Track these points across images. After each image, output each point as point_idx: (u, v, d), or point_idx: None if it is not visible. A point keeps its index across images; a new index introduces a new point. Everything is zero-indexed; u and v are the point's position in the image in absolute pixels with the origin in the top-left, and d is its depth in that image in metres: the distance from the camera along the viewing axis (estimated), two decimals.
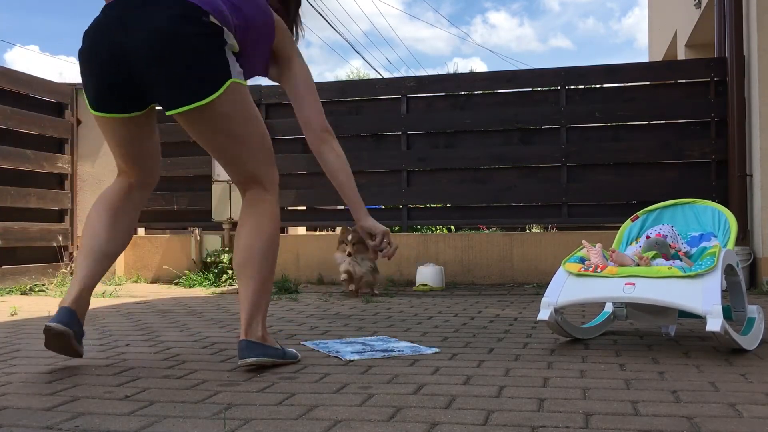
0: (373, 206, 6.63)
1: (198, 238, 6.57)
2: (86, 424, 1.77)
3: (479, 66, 64.53)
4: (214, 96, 2.33)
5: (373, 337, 3.14)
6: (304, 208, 6.79)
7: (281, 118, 6.65)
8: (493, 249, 6.12)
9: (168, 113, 2.42)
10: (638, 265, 2.80)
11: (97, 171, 6.78)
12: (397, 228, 7.31)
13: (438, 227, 8.93)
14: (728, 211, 3.12)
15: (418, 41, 64.97)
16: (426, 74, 12.50)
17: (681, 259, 2.86)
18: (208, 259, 6.52)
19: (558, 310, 2.82)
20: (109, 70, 2.40)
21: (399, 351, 2.76)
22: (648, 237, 3.04)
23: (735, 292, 2.94)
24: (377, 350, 2.78)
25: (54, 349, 2.43)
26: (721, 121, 5.79)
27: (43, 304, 4.88)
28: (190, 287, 6.15)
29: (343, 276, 5.20)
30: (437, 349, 2.77)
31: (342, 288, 5.39)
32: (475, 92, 6.61)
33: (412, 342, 3.02)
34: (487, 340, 3.05)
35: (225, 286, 6.17)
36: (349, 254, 5.08)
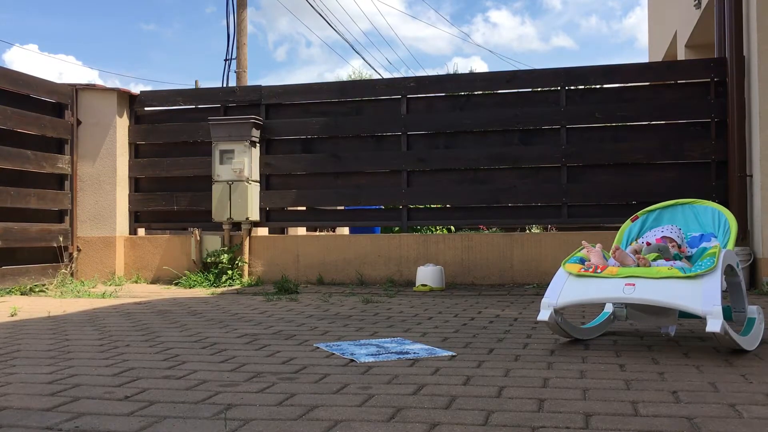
0: (373, 206, 6.63)
1: (198, 238, 6.57)
2: (86, 424, 1.77)
3: (480, 66, 64.45)
4: None
5: (387, 339, 3.12)
6: (304, 208, 6.79)
7: (281, 119, 6.65)
8: (493, 249, 6.12)
9: None
10: (638, 266, 2.80)
11: (97, 171, 6.78)
12: (397, 228, 7.30)
13: (438, 227, 8.93)
14: (728, 212, 3.12)
15: (418, 41, 64.92)
16: (426, 75, 12.49)
17: (682, 260, 2.86)
18: (208, 260, 6.52)
19: (558, 311, 2.82)
20: None
21: (414, 353, 2.73)
22: (648, 244, 3.04)
23: (735, 293, 2.94)
24: (392, 352, 2.76)
25: None
26: (721, 122, 5.79)
27: (43, 304, 4.88)
28: (190, 287, 6.15)
29: None
30: (453, 353, 2.75)
31: (343, 288, 5.37)
32: (475, 93, 6.61)
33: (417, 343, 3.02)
34: (487, 341, 3.05)
35: (225, 286, 6.17)
36: None
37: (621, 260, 2.86)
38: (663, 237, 3.07)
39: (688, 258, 2.98)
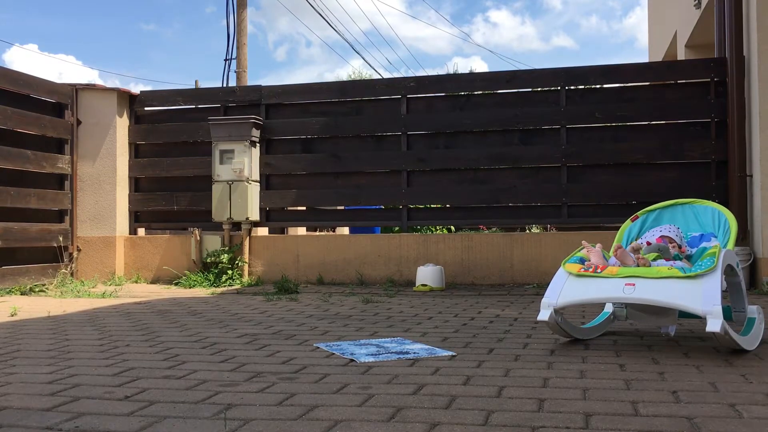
0: (373, 206, 6.63)
1: (198, 238, 6.57)
2: (86, 424, 1.77)
3: (480, 65, 64.52)
4: None
5: (387, 339, 3.12)
6: (304, 208, 6.79)
7: (281, 118, 6.65)
8: (493, 249, 6.12)
9: None
10: (638, 266, 2.80)
11: (97, 171, 6.78)
12: (397, 228, 7.30)
13: (438, 227, 8.93)
14: (728, 212, 3.12)
15: (418, 40, 64.93)
16: (426, 74, 12.49)
17: (682, 260, 2.86)
18: (208, 260, 6.52)
19: (558, 311, 2.82)
20: None
21: (414, 353, 2.73)
22: (648, 243, 3.04)
23: (735, 293, 2.94)
24: (392, 352, 2.75)
25: None
26: (721, 122, 5.79)
27: (43, 304, 4.88)
28: (190, 287, 6.15)
29: None
30: (453, 353, 2.75)
31: (343, 288, 5.37)
32: (475, 92, 6.61)
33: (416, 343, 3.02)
34: (487, 341, 3.05)
35: (225, 286, 6.17)
36: None
37: (622, 260, 2.86)
38: (662, 237, 3.07)
39: (688, 258, 2.98)
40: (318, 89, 6.66)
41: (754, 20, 5.42)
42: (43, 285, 6.07)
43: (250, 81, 12.59)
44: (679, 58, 8.94)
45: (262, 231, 7.04)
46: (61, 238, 6.51)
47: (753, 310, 2.92)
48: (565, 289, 2.80)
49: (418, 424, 1.74)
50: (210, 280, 6.29)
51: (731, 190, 5.64)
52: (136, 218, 6.97)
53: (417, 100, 6.45)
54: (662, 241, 3.02)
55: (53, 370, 2.49)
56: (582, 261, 2.94)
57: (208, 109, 6.85)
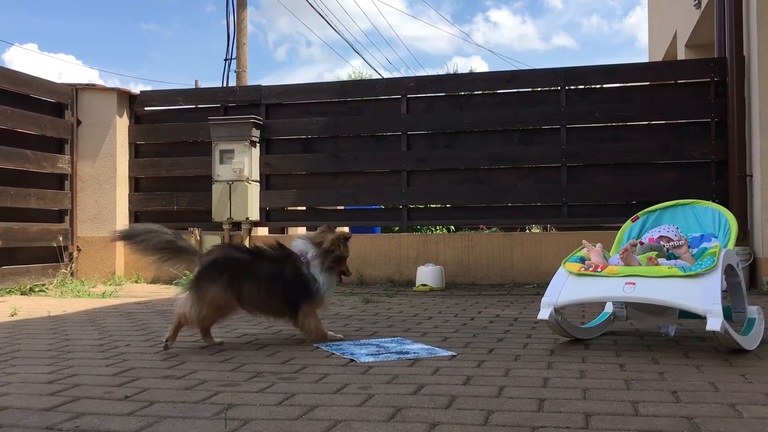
0: (373, 206, 6.62)
1: (198, 238, 6.56)
2: (86, 424, 1.77)
3: (480, 65, 64.49)
4: None
5: (387, 339, 3.12)
6: (304, 208, 6.79)
7: (281, 118, 6.65)
8: (493, 249, 6.11)
9: None
10: (647, 266, 2.79)
11: (97, 171, 6.78)
12: (396, 228, 7.30)
13: (438, 227, 8.92)
14: (728, 212, 3.12)
15: (418, 40, 64.90)
16: (426, 74, 12.48)
17: (678, 258, 2.86)
18: None
19: (558, 310, 2.81)
20: None
21: (414, 353, 2.73)
22: (642, 243, 3.04)
23: (735, 293, 2.94)
24: (392, 352, 2.75)
25: None
26: (721, 122, 5.79)
27: (43, 304, 4.88)
28: None
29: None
30: (453, 353, 2.74)
31: (343, 288, 5.36)
32: (475, 92, 6.61)
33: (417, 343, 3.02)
34: (487, 341, 3.05)
35: None
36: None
37: (627, 262, 2.84)
38: (660, 237, 3.07)
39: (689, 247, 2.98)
40: (318, 89, 6.66)
41: (754, 20, 5.42)
42: (43, 285, 6.07)
43: (250, 81, 12.59)
44: (679, 58, 8.93)
45: (262, 231, 7.03)
46: (61, 238, 6.50)
47: (753, 310, 2.92)
48: (566, 288, 2.80)
49: (418, 424, 1.74)
50: None
51: (731, 190, 5.64)
52: (136, 218, 6.96)
53: (417, 100, 6.45)
54: (656, 241, 3.03)
55: (53, 370, 2.48)
56: (582, 260, 2.94)
57: (208, 109, 6.85)
